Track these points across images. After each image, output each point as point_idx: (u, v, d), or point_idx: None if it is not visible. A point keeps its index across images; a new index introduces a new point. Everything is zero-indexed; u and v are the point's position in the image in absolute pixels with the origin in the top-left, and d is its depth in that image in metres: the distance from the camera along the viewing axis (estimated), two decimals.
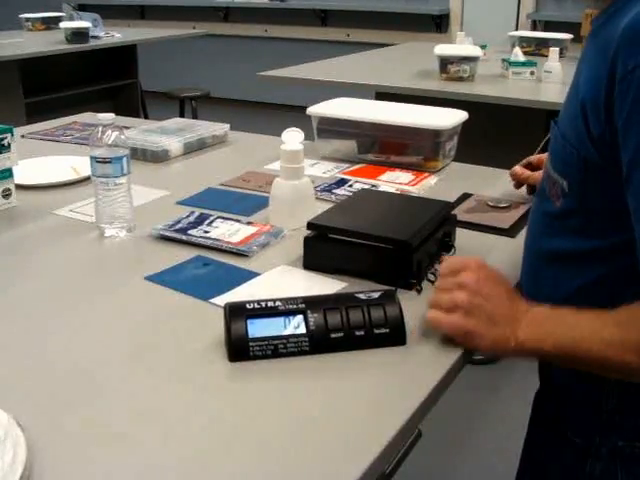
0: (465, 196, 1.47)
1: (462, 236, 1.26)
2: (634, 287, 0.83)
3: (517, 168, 1.43)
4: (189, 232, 1.27)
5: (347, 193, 1.47)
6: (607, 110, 0.81)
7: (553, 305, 0.87)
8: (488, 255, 1.21)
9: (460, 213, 1.28)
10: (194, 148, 1.85)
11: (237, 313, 0.91)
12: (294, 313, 0.91)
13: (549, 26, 5.45)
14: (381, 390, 0.85)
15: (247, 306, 0.92)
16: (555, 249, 0.95)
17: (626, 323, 0.81)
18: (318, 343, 0.90)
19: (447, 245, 1.21)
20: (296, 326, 0.91)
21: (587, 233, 0.90)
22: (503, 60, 3.17)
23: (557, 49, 3.01)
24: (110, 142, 1.25)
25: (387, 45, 4.53)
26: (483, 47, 3.33)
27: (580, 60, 0.95)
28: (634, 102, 0.77)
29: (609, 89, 0.80)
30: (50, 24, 5.32)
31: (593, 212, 0.89)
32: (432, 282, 1.11)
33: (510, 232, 1.30)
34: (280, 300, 0.93)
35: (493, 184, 1.56)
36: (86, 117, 2.27)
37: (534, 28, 5.63)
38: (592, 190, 0.88)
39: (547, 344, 0.85)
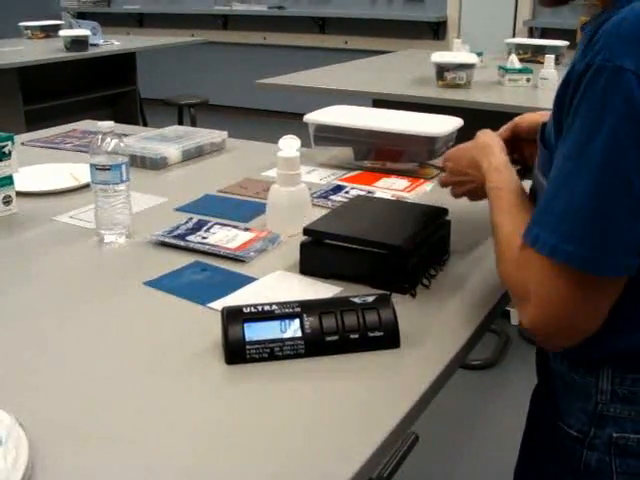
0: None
1: (457, 241, 1.28)
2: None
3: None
4: (187, 238, 1.29)
5: (343, 199, 1.49)
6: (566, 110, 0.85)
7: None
8: (484, 259, 1.23)
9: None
10: (192, 155, 1.87)
11: (234, 317, 0.93)
12: (290, 317, 0.93)
13: (546, 33, 5.48)
14: (374, 392, 0.87)
15: (244, 310, 0.94)
16: None
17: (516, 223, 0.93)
18: (313, 346, 0.92)
19: (442, 250, 1.23)
20: (292, 329, 0.92)
21: None
22: (499, 67, 3.19)
23: (553, 56, 3.03)
24: (109, 150, 1.27)
25: (385, 52, 4.55)
26: (480, 54, 3.36)
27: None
28: (582, 99, 0.80)
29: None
30: (49, 32, 5.34)
31: None
32: (426, 287, 1.13)
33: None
34: (276, 304, 0.95)
35: None
36: (85, 125, 2.29)
37: (531, 35, 5.67)
38: None
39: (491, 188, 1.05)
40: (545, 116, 1.19)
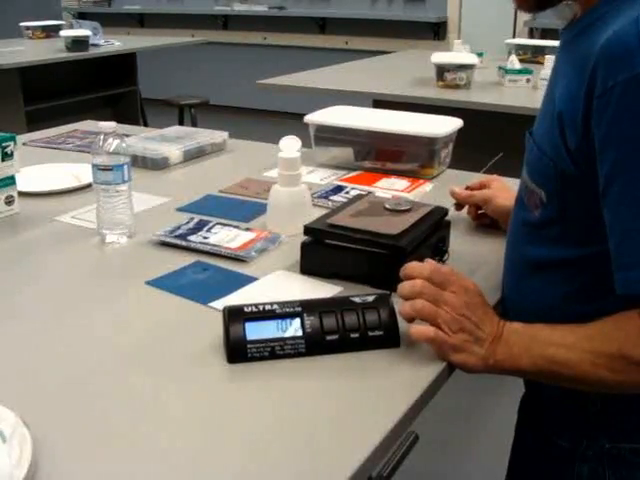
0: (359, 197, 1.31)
1: (456, 242, 1.28)
2: (617, 295, 0.82)
3: (455, 188, 1.37)
4: (189, 238, 1.30)
5: (343, 200, 1.49)
6: (584, 124, 0.82)
7: (525, 321, 0.89)
8: (484, 260, 1.24)
9: (344, 218, 1.18)
10: (193, 156, 1.88)
11: (235, 316, 0.94)
12: (291, 316, 0.94)
13: (546, 33, 5.49)
14: (374, 391, 0.87)
15: (245, 309, 0.94)
16: (536, 258, 0.96)
17: (597, 338, 0.83)
18: (314, 345, 0.93)
19: (441, 250, 1.24)
20: (293, 329, 0.93)
21: (567, 242, 0.91)
22: (499, 68, 3.20)
23: (552, 57, 3.03)
24: (111, 150, 1.27)
25: (385, 52, 4.56)
26: (480, 55, 3.36)
27: (553, 71, 0.96)
28: (613, 118, 0.78)
29: (587, 104, 0.81)
30: (50, 32, 5.36)
31: (572, 221, 0.90)
32: None
33: (397, 239, 1.11)
34: (277, 303, 0.95)
35: None
36: (87, 125, 2.29)
37: (531, 36, 5.68)
38: (570, 200, 0.88)
39: (524, 363, 0.87)
40: (510, 200, 1.15)
